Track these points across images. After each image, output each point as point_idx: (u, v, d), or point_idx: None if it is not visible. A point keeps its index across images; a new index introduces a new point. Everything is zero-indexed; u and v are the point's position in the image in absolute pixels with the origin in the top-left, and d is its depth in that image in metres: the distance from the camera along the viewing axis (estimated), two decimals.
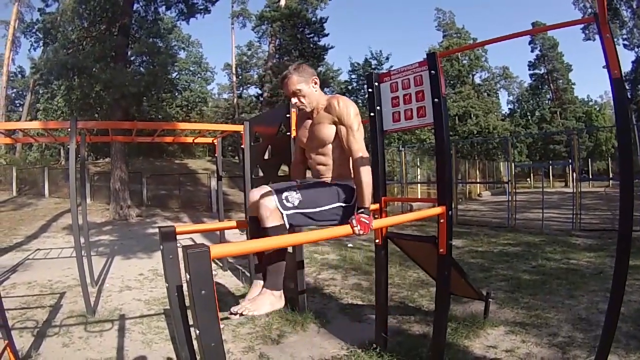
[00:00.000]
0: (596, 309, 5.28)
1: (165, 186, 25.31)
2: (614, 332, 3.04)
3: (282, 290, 3.00)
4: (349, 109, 3.05)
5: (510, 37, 3.42)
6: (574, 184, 14.41)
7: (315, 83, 3.18)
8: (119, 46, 19.36)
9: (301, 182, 3.25)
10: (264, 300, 2.87)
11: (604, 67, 2.94)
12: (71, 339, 4.87)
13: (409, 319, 5.31)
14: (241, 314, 2.72)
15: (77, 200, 6.09)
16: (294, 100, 3.16)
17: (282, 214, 2.86)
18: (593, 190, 24.92)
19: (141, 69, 22.79)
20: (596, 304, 5.47)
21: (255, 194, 3.01)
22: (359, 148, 3.02)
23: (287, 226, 2.90)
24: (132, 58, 22.32)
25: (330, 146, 3.16)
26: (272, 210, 2.82)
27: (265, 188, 2.99)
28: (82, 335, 5.00)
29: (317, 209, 3.01)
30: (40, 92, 38.45)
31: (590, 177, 37.42)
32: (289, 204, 2.88)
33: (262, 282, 3.03)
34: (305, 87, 3.12)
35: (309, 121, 3.29)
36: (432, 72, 3.58)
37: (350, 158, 3.09)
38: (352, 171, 3.12)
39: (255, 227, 3.00)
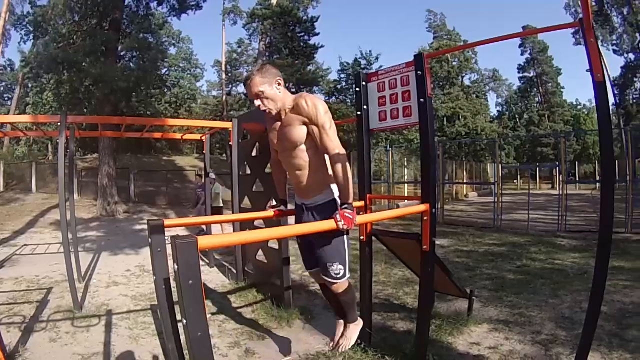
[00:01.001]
0: (579, 307, 5.35)
1: (152, 182, 25.24)
2: (594, 330, 3.09)
3: (358, 317, 3.68)
4: (318, 108, 3.01)
5: (498, 40, 3.46)
6: (560, 186, 14.55)
7: (279, 84, 3.08)
8: (110, 41, 19.22)
9: (309, 242, 3.44)
10: (351, 332, 3.59)
11: (587, 70, 3.00)
12: (58, 334, 4.88)
13: (394, 315, 5.37)
14: (340, 351, 3.76)
15: (65, 195, 6.08)
16: (257, 102, 3.11)
17: (344, 279, 3.36)
18: (579, 193, 25.08)
19: (131, 64, 22.62)
20: (579, 303, 5.55)
21: (313, 275, 3.78)
22: (335, 146, 3.01)
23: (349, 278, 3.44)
24: (122, 53, 22.19)
25: (302, 147, 3.12)
26: (340, 284, 3.35)
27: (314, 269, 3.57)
28: (69, 330, 5.00)
29: (342, 248, 3.30)
30: (30, 85, 38.10)
31: (577, 179, 37.82)
32: (340, 272, 3.31)
33: (342, 321, 3.67)
34: (268, 88, 3.04)
35: (278, 123, 3.23)
36: (419, 72, 3.62)
37: (327, 157, 3.09)
38: (329, 170, 3.14)
39: (327, 290, 3.57)
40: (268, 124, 3.36)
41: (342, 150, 3.04)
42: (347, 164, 3.04)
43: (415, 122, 3.74)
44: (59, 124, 5.92)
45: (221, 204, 12.31)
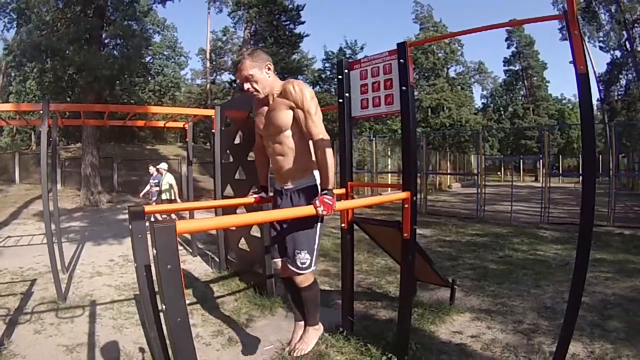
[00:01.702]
0: (561, 298, 5.41)
1: (136, 172, 25.08)
2: (575, 319, 3.12)
3: (320, 322, 3.64)
4: (305, 93, 3.07)
5: (482, 30, 3.47)
6: (544, 178, 14.68)
7: (269, 69, 3.17)
8: (94, 28, 19.02)
9: (280, 227, 3.48)
10: (310, 337, 3.57)
11: (570, 62, 3.02)
12: (43, 326, 4.84)
13: (376, 304, 5.39)
14: (295, 356, 3.54)
15: (48, 185, 6.03)
16: (246, 85, 3.16)
17: (310, 270, 3.31)
18: (563, 186, 25.47)
19: (115, 52, 22.43)
20: (561, 293, 5.61)
21: (278, 263, 3.58)
22: (319, 131, 3.07)
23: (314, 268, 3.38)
24: (106, 41, 21.99)
25: (288, 132, 3.18)
26: (304, 277, 3.32)
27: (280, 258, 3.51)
28: (54, 322, 4.97)
29: (312, 237, 3.29)
30: (13, 74, 37.63)
31: (561, 172, 38.26)
32: (306, 262, 3.27)
33: (302, 323, 3.65)
34: (258, 72, 3.12)
35: (265, 108, 3.29)
36: (401, 61, 3.64)
37: (311, 142, 3.14)
38: (312, 157, 3.18)
39: (290, 285, 3.53)
40: (255, 108, 3.42)
41: (326, 137, 3.08)
42: (331, 150, 3.08)
43: (397, 111, 3.76)
44: (41, 112, 5.88)
45: (174, 197, 11.79)
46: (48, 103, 5.93)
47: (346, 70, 4.24)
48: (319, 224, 3.30)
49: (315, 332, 3.59)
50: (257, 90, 3.16)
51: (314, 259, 3.29)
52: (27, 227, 12.86)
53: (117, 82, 23.51)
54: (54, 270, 5.68)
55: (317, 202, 2.85)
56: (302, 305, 3.54)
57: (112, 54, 21.88)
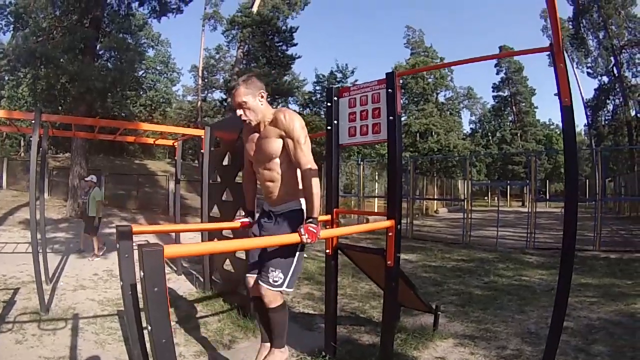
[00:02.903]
0: (545, 323, 5.39)
1: (123, 186, 24.87)
2: (557, 343, 3.18)
3: (286, 346, 3.50)
4: (295, 123, 3.15)
5: (470, 61, 3.57)
6: (530, 203, 14.78)
7: (262, 97, 3.25)
8: (89, 39, 18.99)
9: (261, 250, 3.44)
10: (274, 359, 3.42)
11: (555, 94, 3.09)
12: (24, 336, 4.82)
13: (360, 329, 5.39)
14: None
15: (36, 194, 6.02)
16: (239, 112, 3.24)
17: (281, 291, 3.28)
18: (550, 211, 25.59)
19: (109, 64, 22.40)
20: (546, 319, 5.60)
21: (250, 280, 3.48)
22: (307, 160, 3.12)
23: (290, 290, 3.43)
24: (100, 52, 21.96)
25: (277, 160, 3.25)
26: (272, 295, 3.25)
27: (254, 274, 3.44)
28: (36, 333, 4.94)
29: (291, 259, 3.26)
30: (6, 78, 37.44)
31: (547, 197, 38.56)
32: (279, 281, 3.23)
33: (268, 344, 3.52)
34: (252, 99, 3.20)
35: (256, 135, 3.36)
36: (390, 90, 3.72)
37: (299, 170, 3.19)
38: (300, 184, 3.24)
39: (259, 305, 3.40)
40: (245, 134, 3.48)
41: (314, 166, 3.13)
42: (317, 179, 3.14)
43: (384, 139, 3.83)
44: (32, 121, 5.90)
45: (95, 214, 10.43)
46: (40, 113, 5.97)
47: (335, 98, 4.31)
48: (298, 251, 3.31)
49: (281, 354, 3.47)
50: (248, 117, 3.23)
51: (287, 280, 3.25)
52: (12, 235, 12.81)
53: (109, 94, 23.45)
54: (37, 281, 5.66)
55: (301, 230, 2.91)
56: (269, 327, 3.43)
57: (106, 65, 21.84)
